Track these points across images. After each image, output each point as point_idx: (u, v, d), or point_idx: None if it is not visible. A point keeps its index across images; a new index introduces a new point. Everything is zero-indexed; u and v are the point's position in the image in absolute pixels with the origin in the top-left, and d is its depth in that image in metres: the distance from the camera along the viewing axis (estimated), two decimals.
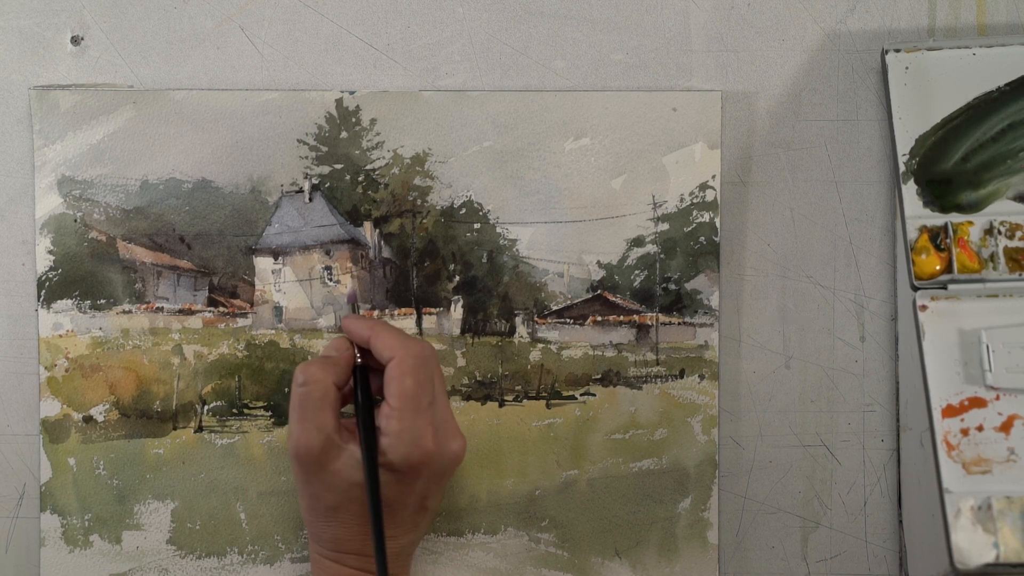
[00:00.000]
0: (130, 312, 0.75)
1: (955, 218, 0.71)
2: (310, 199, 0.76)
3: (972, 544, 0.64)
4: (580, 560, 0.76)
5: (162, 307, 0.75)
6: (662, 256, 0.76)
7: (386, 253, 0.76)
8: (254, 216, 0.76)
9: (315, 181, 0.76)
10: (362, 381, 0.67)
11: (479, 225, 0.76)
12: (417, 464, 0.65)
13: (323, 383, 0.66)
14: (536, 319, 0.76)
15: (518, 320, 0.76)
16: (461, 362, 0.76)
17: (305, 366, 0.66)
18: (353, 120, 0.75)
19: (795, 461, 0.76)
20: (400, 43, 0.76)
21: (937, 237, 0.71)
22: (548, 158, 0.76)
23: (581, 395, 0.76)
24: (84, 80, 0.75)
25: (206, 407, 0.75)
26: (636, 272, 0.76)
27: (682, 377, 0.76)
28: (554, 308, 0.76)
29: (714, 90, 0.76)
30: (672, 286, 0.76)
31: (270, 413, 0.75)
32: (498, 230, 0.76)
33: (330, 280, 0.76)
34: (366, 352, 0.68)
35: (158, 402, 0.75)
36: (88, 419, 0.75)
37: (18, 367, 0.75)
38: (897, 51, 0.73)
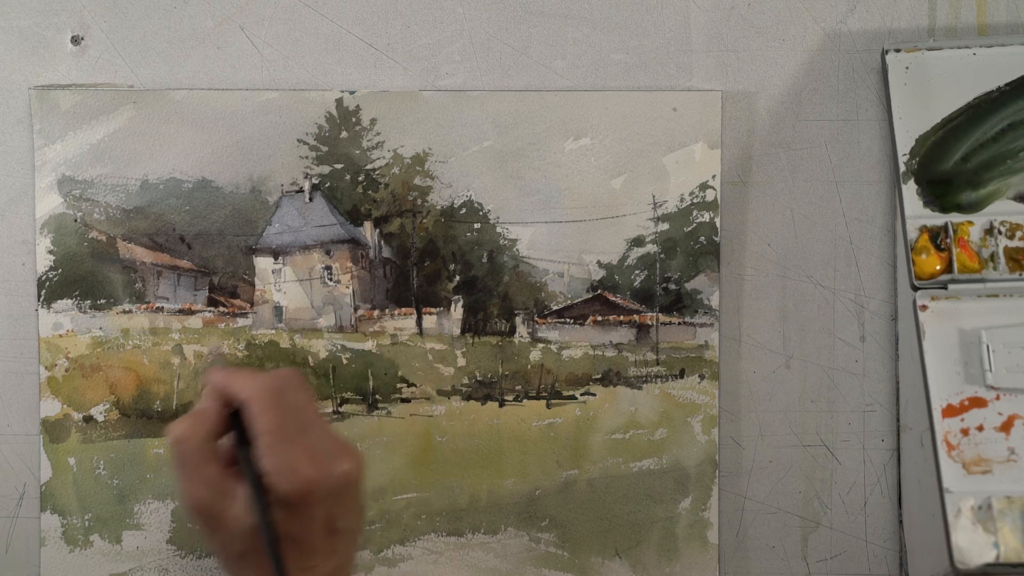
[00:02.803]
0: (130, 312, 0.75)
1: (955, 218, 0.71)
2: (310, 199, 0.76)
3: (972, 544, 0.64)
4: (580, 560, 0.76)
5: (162, 307, 0.75)
6: (662, 256, 0.76)
7: (386, 253, 0.76)
8: (254, 216, 0.76)
9: (315, 181, 0.76)
10: (236, 426, 0.66)
11: (479, 225, 0.76)
12: (304, 493, 0.64)
13: (195, 438, 0.64)
14: (536, 319, 0.76)
15: (518, 320, 0.76)
16: (461, 362, 0.76)
17: (174, 425, 0.65)
18: (353, 120, 0.75)
19: (795, 461, 0.76)
20: (400, 43, 0.76)
21: (937, 237, 0.71)
22: (548, 158, 0.76)
23: (581, 395, 0.76)
24: (84, 80, 0.75)
25: None
26: (636, 272, 0.76)
27: (682, 377, 0.76)
28: (554, 308, 0.76)
29: (714, 90, 0.76)
30: (672, 286, 0.76)
31: None
32: (498, 230, 0.76)
33: (330, 280, 0.76)
34: None
35: (158, 402, 0.75)
36: (88, 419, 0.75)
37: (18, 367, 0.75)
38: (897, 51, 0.73)
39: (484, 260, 0.76)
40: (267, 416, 0.64)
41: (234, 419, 0.67)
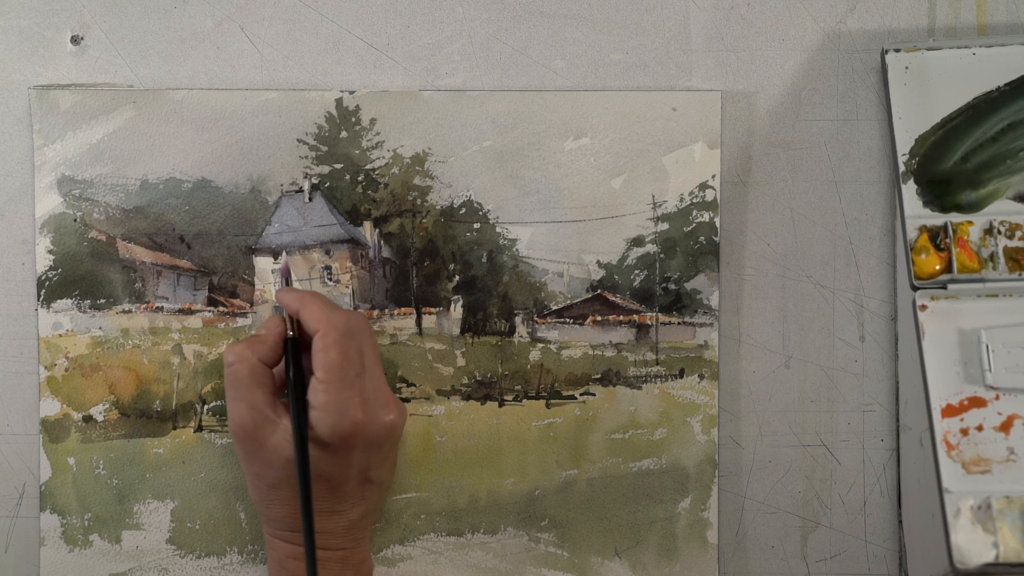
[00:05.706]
0: (130, 312, 0.75)
1: (955, 218, 0.71)
2: (310, 199, 0.76)
3: (972, 544, 0.64)
4: (580, 560, 0.76)
5: (162, 307, 0.75)
6: (662, 256, 0.76)
7: (386, 253, 0.76)
8: (254, 216, 0.76)
9: (315, 181, 0.76)
10: (293, 354, 0.68)
11: (479, 225, 0.76)
12: (347, 435, 0.65)
13: (249, 361, 0.67)
14: (536, 319, 0.76)
15: (518, 320, 0.76)
16: (461, 362, 0.76)
17: (231, 346, 0.68)
18: (353, 120, 0.75)
19: (795, 461, 0.76)
20: (400, 43, 0.76)
21: (937, 237, 0.71)
22: (548, 158, 0.76)
23: (581, 395, 0.76)
24: (84, 80, 0.75)
25: (206, 407, 0.75)
26: (636, 272, 0.76)
27: (682, 377, 0.76)
28: (554, 308, 0.76)
29: (714, 90, 0.76)
30: (672, 286, 0.76)
31: None
32: (498, 230, 0.76)
33: (330, 280, 0.76)
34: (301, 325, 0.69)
35: (158, 402, 0.75)
36: (88, 419, 0.75)
37: (18, 367, 0.75)
38: (897, 51, 0.73)
39: (484, 260, 0.76)
40: (332, 353, 0.65)
41: (290, 345, 0.68)
